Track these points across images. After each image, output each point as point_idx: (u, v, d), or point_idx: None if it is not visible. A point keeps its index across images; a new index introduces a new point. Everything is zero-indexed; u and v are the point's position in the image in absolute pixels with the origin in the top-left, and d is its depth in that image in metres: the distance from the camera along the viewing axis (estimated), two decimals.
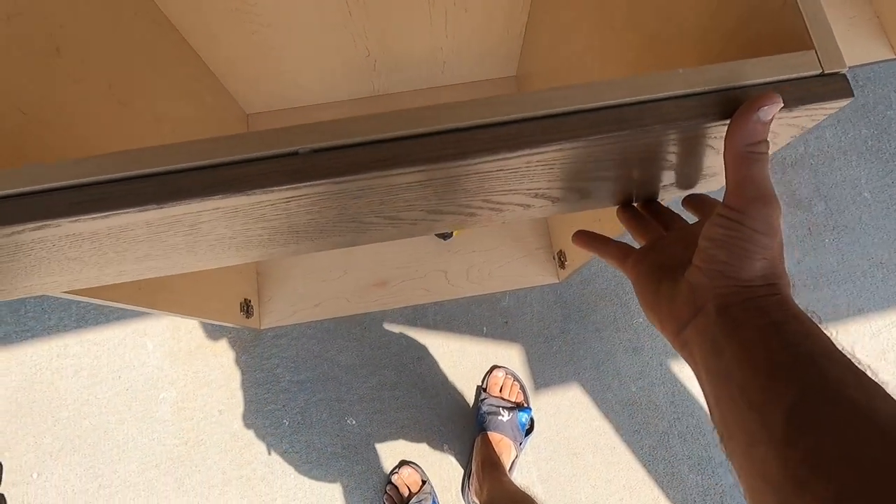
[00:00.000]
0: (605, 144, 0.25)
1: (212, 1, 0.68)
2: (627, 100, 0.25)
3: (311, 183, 0.24)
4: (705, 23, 0.33)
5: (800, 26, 0.26)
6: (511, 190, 0.30)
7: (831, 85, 0.25)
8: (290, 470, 0.92)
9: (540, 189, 0.31)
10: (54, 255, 0.29)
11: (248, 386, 0.96)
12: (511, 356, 0.97)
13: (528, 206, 0.34)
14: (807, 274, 1.00)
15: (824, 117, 0.26)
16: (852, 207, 1.03)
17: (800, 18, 0.26)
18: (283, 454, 0.93)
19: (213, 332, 0.99)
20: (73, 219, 0.24)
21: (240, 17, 0.72)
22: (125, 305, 0.52)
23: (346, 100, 0.97)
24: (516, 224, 0.95)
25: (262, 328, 0.90)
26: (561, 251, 0.86)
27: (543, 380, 0.96)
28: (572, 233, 0.79)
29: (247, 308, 0.84)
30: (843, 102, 0.25)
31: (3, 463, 0.93)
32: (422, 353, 0.97)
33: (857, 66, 1.04)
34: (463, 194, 0.30)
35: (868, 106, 1.08)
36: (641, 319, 0.98)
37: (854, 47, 1.01)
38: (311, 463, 0.92)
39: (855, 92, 0.95)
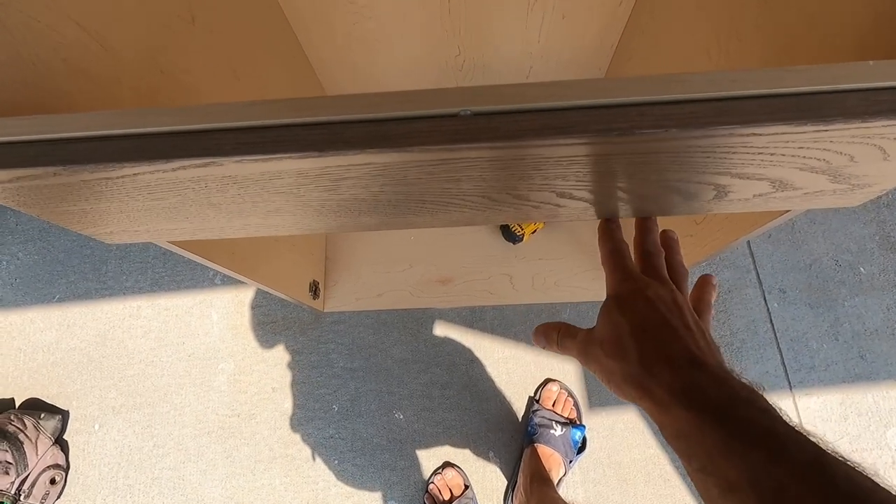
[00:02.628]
0: (778, 134, 0.24)
1: None
2: (808, 89, 0.24)
3: (471, 145, 0.24)
4: (863, 32, 0.32)
5: None
6: (652, 179, 0.29)
7: None
8: (334, 455, 0.93)
9: (679, 180, 0.30)
10: (200, 197, 0.30)
11: (302, 367, 0.98)
12: (566, 370, 0.94)
13: (657, 197, 0.33)
14: None
15: None
16: None
17: None
18: (330, 439, 0.94)
19: (275, 311, 1.01)
20: (238, 158, 0.25)
21: (345, 8, 0.74)
22: (218, 266, 0.53)
23: None
24: (587, 236, 0.93)
25: (324, 311, 0.92)
26: None
27: (598, 399, 0.93)
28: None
29: (315, 289, 0.85)
30: None
31: (69, 411, 0.98)
32: (475, 355, 0.96)
33: None
34: (613, 178, 0.29)
35: None
36: None
37: None
38: (355, 451, 0.93)
39: None
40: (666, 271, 0.35)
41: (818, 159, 0.27)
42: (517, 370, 0.95)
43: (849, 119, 0.23)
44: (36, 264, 1.07)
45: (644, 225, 0.37)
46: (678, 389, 0.27)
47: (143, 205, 0.31)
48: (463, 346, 0.97)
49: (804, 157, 0.27)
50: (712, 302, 0.38)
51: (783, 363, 0.92)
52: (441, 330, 0.98)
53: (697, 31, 0.55)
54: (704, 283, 0.38)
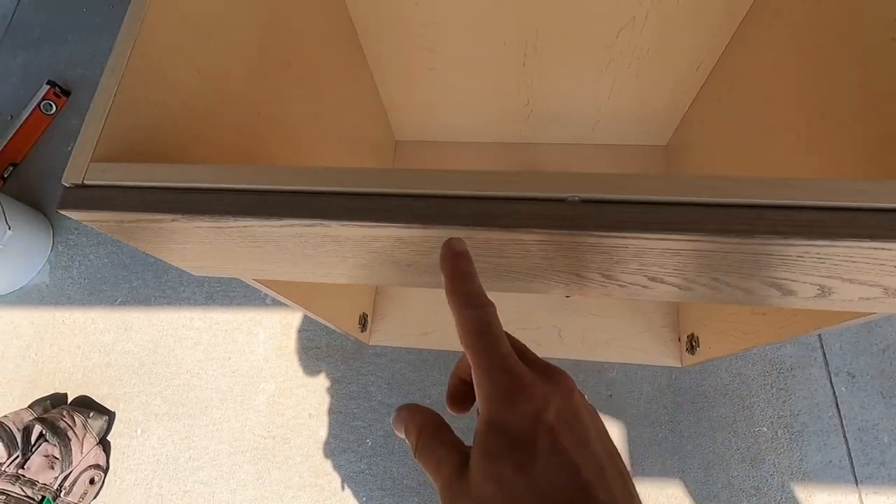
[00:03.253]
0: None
1: (405, 39, 0.74)
2: None
3: (577, 232, 0.24)
4: None
5: None
6: (752, 275, 0.28)
7: None
8: (363, 491, 0.91)
9: (783, 279, 0.29)
10: (297, 248, 0.31)
11: (340, 396, 0.98)
12: (611, 432, 0.89)
13: (752, 292, 0.32)
14: None
15: None
16: None
17: None
18: (360, 473, 0.93)
19: (319, 337, 1.02)
20: (345, 223, 0.26)
21: (424, 56, 0.77)
22: (284, 298, 0.55)
23: (492, 142, 1.00)
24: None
25: (369, 343, 0.92)
26: (693, 334, 0.80)
27: (643, 467, 0.88)
28: (707, 316, 0.72)
29: (364, 322, 0.86)
30: None
31: (116, 413, 1.01)
32: None
33: None
34: (704, 268, 0.28)
35: None
36: (766, 429, 0.88)
37: None
38: (384, 490, 0.91)
39: None
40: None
41: None
42: None
43: None
44: (104, 267, 1.14)
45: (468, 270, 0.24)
46: None
47: (242, 250, 0.32)
48: None
49: None
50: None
51: (849, 455, 0.85)
52: None
53: (786, 109, 0.53)
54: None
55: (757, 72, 0.62)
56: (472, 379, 0.23)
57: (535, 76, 0.80)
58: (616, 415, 0.91)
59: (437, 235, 0.26)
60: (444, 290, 0.23)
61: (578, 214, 0.24)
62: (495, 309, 0.23)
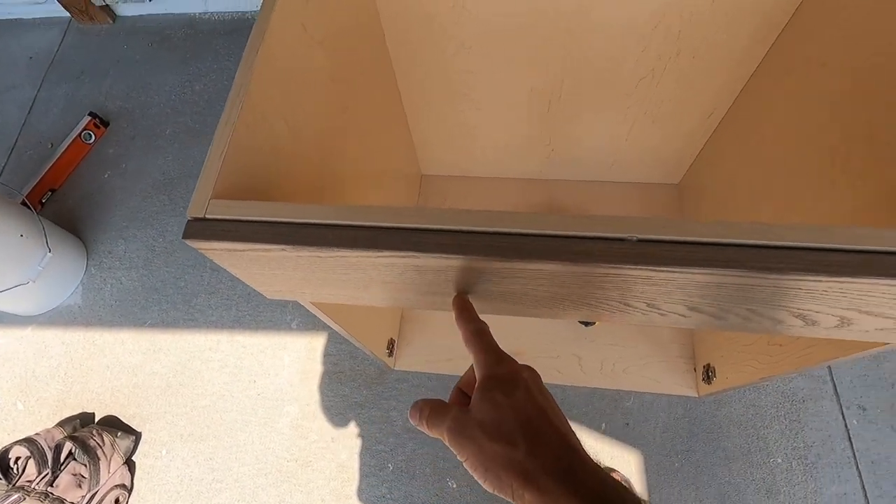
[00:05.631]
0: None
1: (441, 80, 0.80)
2: None
3: (634, 267, 0.29)
4: None
5: None
6: (782, 307, 0.32)
7: None
8: None
9: (808, 310, 0.33)
10: (379, 277, 0.35)
11: (362, 421, 1.00)
12: (628, 461, 0.92)
13: (781, 321, 0.36)
14: None
15: None
16: None
17: None
18: (381, 498, 0.94)
19: (343, 361, 1.05)
20: (437, 256, 0.30)
21: (457, 98, 0.83)
22: (330, 320, 0.58)
23: (512, 177, 1.06)
24: (663, 329, 0.94)
25: (394, 368, 0.95)
26: (709, 365, 0.84)
27: (660, 496, 0.89)
28: (724, 346, 0.77)
29: (391, 347, 0.89)
30: None
31: (142, 433, 1.03)
32: None
33: None
34: (739, 300, 0.32)
35: None
36: (780, 460, 0.90)
37: None
38: None
39: None
40: None
41: None
42: None
43: None
44: (135, 290, 1.18)
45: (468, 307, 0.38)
46: (562, 476, 0.27)
47: (324, 276, 0.37)
48: None
49: None
50: None
51: (863, 487, 0.87)
52: None
53: (800, 160, 0.59)
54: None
55: (765, 123, 0.68)
56: (467, 389, 0.37)
57: (559, 120, 0.86)
58: (633, 444, 0.94)
59: (514, 266, 0.31)
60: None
61: (636, 252, 0.29)
62: (487, 326, 0.37)
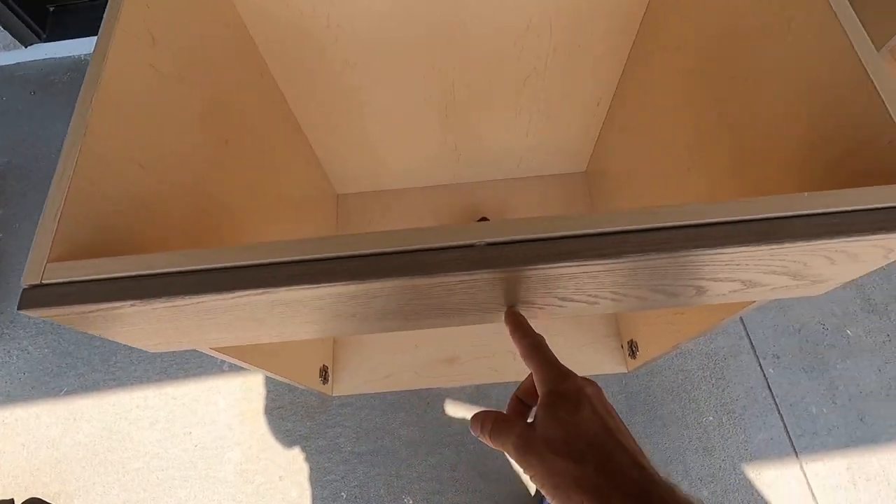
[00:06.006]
0: (736, 252, 0.29)
1: (333, 99, 0.79)
2: (761, 215, 0.29)
3: (486, 270, 0.29)
4: (806, 150, 0.38)
5: None
6: (640, 285, 0.34)
7: None
8: None
9: (657, 285, 0.35)
10: (248, 315, 0.34)
11: (309, 453, 0.97)
12: None
13: (646, 298, 0.38)
14: (891, 383, 0.96)
15: None
16: None
17: None
18: None
19: (282, 396, 1.02)
20: (289, 288, 0.30)
21: (353, 115, 0.83)
22: (242, 362, 0.57)
23: (427, 185, 1.07)
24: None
25: (332, 395, 0.93)
26: (632, 340, 0.87)
27: None
28: (646, 322, 0.80)
29: (324, 374, 0.87)
30: None
31: None
32: None
33: None
34: (596, 285, 0.34)
35: None
36: (711, 417, 0.95)
37: None
38: None
39: None
40: None
41: (778, 266, 0.33)
42: None
43: (794, 240, 0.28)
44: (45, 357, 1.09)
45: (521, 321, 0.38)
46: (636, 496, 0.27)
47: (196, 322, 0.35)
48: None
49: (766, 265, 0.32)
50: None
51: (786, 429, 0.94)
52: (448, 409, 0.99)
53: (672, 136, 0.62)
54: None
55: (645, 105, 0.72)
56: (526, 398, 0.37)
57: (458, 125, 0.87)
58: None
59: (373, 287, 0.31)
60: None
61: (486, 256, 0.29)
62: (544, 339, 0.37)
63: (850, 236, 0.28)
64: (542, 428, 0.31)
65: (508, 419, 0.34)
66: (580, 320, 0.95)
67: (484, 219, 1.00)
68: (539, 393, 0.33)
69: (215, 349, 0.48)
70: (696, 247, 0.29)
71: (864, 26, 0.35)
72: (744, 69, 0.45)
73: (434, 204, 1.05)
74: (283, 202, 0.75)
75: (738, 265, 0.32)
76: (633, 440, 0.31)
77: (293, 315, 0.35)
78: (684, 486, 0.91)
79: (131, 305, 0.30)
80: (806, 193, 0.29)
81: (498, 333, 0.94)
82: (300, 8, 0.63)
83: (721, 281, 0.34)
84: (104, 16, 0.41)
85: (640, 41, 0.70)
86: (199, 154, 0.50)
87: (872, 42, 0.34)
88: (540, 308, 0.38)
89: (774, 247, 0.29)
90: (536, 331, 0.37)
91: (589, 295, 0.36)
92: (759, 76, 0.43)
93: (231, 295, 0.30)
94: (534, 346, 0.36)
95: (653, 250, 0.29)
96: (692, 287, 0.36)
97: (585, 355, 0.92)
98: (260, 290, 0.30)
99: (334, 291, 0.31)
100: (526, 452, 0.31)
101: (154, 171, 0.42)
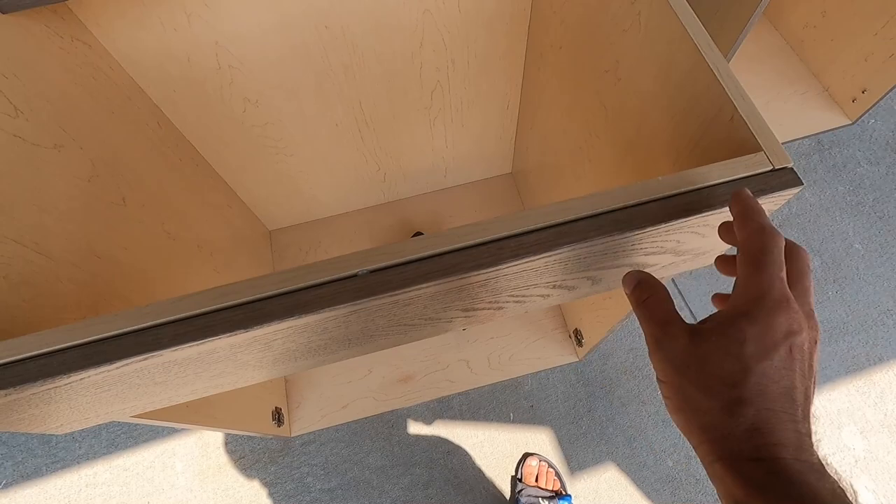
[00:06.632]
0: (607, 242, 0.31)
1: (243, 139, 0.78)
2: (619, 205, 0.31)
3: (370, 298, 0.29)
4: (671, 131, 0.41)
5: (748, 134, 0.32)
6: (532, 284, 0.35)
7: (783, 177, 0.31)
8: None
9: (557, 281, 0.36)
10: (145, 381, 0.33)
11: (278, 498, 0.94)
12: (542, 440, 0.96)
13: (548, 295, 0.39)
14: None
15: (785, 202, 0.32)
16: (847, 259, 1.08)
17: (746, 128, 0.32)
18: None
19: (242, 445, 0.99)
20: (175, 348, 0.29)
21: (266, 151, 0.82)
22: (176, 424, 0.54)
23: (359, 209, 1.06)
24: None
25: (291, 436, 0.91)
26: (577, 329, 0.89)
27: (577, 462, 0.94)
28: (584, 311, 0.82)
29: (278, 417, 0.85)
30: (796, 190, 0.31)
31: None
32: (451, 446, 0.96)
33: (819, 133, 1.14)
34: (492, 293, 0.35)
35: (839, 166, 1.17)
36: None
37: (811, 119, 1.13)
38: None
39: (823, 154, 1.04)
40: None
41: (656, 247, 0.34)
42: (494, 452, 0.96)
43: (655, 223, 0.30)
44: None
45: (757, 219, 0.27)
46: (777, 486, 0.22)
47: (92, 398, 0.34)
48: (437, 439, 0.97)
49: (644, 248, 0.34)
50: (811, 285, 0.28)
51: None
52: (413, 427, 0.98)
53: (570, 131, 0.65)
54: (796, 256, 0.27)
55: (545, 103, 0.75)
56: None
57: (376, 145, 0.88)
58: (541, 422, 0.97)
59: (262, 333, 0.30)
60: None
61: (369, 283, 0.30)
62: (783, 242, 0.27)
63: (702, 212, 0.30)
64: (706, 340, 0.25)
65: (668, 306, 0.28)
66: (527, 318, 0.97)
67: (419, 233, 1.01)
68: (733, 295, 0.26)
69: (138, 416, 0.46)
70: (565, 244, 0.30)
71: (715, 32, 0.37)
72: (612, 62, 0.47)
73: (369, 226, 1.05)
74: (206, 248, 0.73)
75: (615, 253, 0.33)
76: (808, 410, 0.25)
77: (196, 373, 0.34)
78: (651, 462, 0.94)
79: (6, 395, 0.29)
80: (660, 178, 0.31)
81: (448, 345, 0.95)
82: (188, 56, 0.61)
83: (611, 268, 0.36)
84: None
85: (532, 43, 0.73)
86: (91, 217, 0.48)
87: (717, 45, 0.36)
88: (448, 321, 0.39)
89: (637, 232, 0.30)
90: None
91: (490, 301, 0.36)
92: (624, 69, 0.45)
93: (113, 366, 0.29)
94: (764, 249, 0.26)
95: (527, 253, 0.30)
96: (587, 278, 0.37)
97: (537, 351, 0.94)
98: (143, 356, 0.29)
99: (223, 344, 0.30)
100: (667, 362, 0.26)
101: (34, 245, 0.40)
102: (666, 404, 0.27)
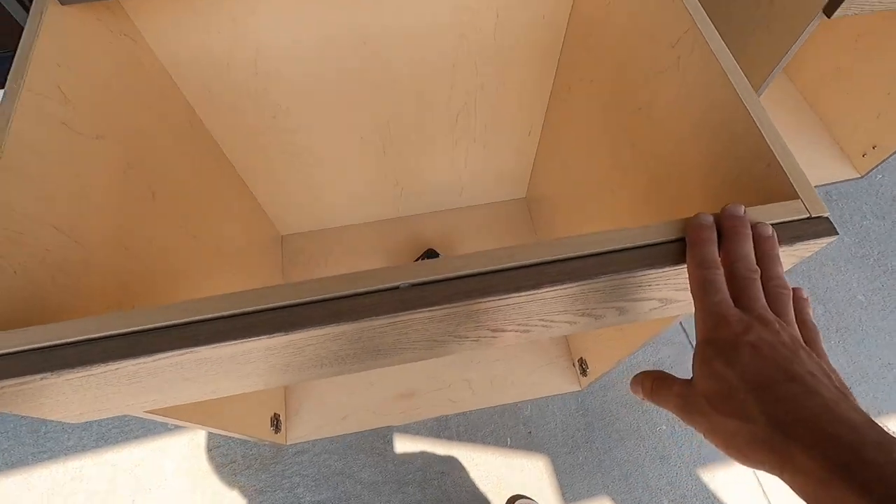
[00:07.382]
0: (648, 275, 0.31)
1: (270, 144, 0.79)
2: (661, 239, 0.31)
3: (410, 311, 0.30)
4: (706, 170, 0.42)
5: (785, 181, 0.33)
6: (563, 311, 0.36)
7: (818, 226, 0.31)
8: None
9: (588, 309, 0.36)
10: (176, 376, 0.33)
11: None
12: (537, 468, 0.95)
13: (575, 322, 0.39)
14: None
15: (818, 249, 0.33)
16: (850, 310, 1.09)
17: (784, 175, 0.33)
18: None
19: (234, 450, 0.97)
20: (213, 346, 0.29)
21: (291, 158, 0.83)
22: (180, 422, 0.54)
23: (373, 221, 1.07)
24: None
25: (287, 443, 0.90)
26: (582, 359, 0.89)
27: (573, 493, 0.93)
28: (591, 340, 0.82)
29: (276, 423, 0.84)
30: (830, 239, 0.31)
31: None
32: (446, 467, 0.95)
33: (828, 184, 1.16)
34: (525, 315, 0.35)
35: (845, 217, 1.19)
36: (664, 426, 0.98)
37: (822, 169, 1.15)
38: None
39: (831, 206, 1.06)
40: (764, 300, 0.29)
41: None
42: (489, 475, 0.95)
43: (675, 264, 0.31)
44: None
45: (732, 230, 0.30)
46: (835, 459, 0.22)
47: (120, 388, 0.34)
48: (432, 458, 0.96)
49: (678, 283, 0.34)
50: (812, 320, 0.31)
51: None
52: (408, 445, 0.97)
53: (593, 164, 0.66)
54: (734, 272, 0.30)
55: (570, 133, 0.76)
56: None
57: (397, 161, 0.89)
58: (538, 449, 0.97)
59: (299, 338, 0.30)
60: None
61: (410, 297, 0.30)
62: (722, 271, 0.30)
63: None
64: (697, 384, 0.28)
65: (666, 378, 0.31)
66: (532, 343, 0.97)
67: (431, 250, 1.01)
68: (697, 337, 0.29)
69: (150, 412, 0.46)
70: (609, 273, 0.31)
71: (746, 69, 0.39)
72: (645, 102, 0.49)
73: (380, 239, 1.05)
74: (225, 250, 0.73)
75: (649, 286, 0.34)
76: (830, 380, 0.25)
77: (225, 372, 0.35)
78: (646, 499, 0.93)
79: (42, 379, 0.29)
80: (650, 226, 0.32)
81: (452, 364, 0.95)
82: (227, 60, 0.63)
83: (639, 301, 0.36)
84: (9, 74, 0.40)
85: (561, 74, 0.74)
86: (123, 209, 0.49)
87: (751, 83, 0.38)
88: (474, 340, 0.39)
89: (676, 267, 0.31)
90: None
91: (520, 323, 0.37)
92: (658, 108, 0.47)
93: (151, 358, 0.29)
94: (699, 283, 0.29)
95: (569, 279, 0.30)
96: (615, 308, 0.38)
97: (540, 377, 0.94)
98: (182, 351, 0.29)
99: (260, 345, 0.30)
100: (688, 413, 0.28)
101: (71, 233, 0.41)
102: (731, 453, 0.27)
